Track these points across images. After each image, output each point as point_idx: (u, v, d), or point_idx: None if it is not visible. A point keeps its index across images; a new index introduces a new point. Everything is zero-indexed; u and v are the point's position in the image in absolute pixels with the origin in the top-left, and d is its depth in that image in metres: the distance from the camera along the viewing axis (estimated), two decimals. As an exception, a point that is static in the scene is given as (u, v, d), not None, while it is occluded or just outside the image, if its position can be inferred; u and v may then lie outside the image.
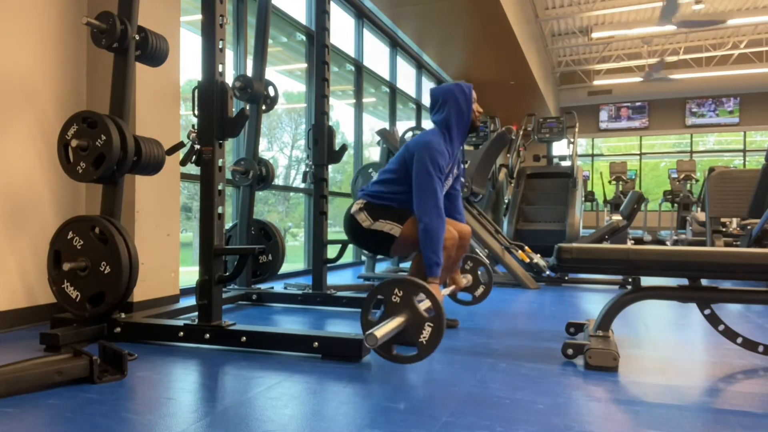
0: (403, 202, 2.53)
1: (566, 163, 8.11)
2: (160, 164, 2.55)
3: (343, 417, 1.52)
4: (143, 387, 1.78)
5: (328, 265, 3.52)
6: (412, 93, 9.06)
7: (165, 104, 3.16)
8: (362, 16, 6.99)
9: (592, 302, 3.80)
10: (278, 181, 6.02)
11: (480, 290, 3.12)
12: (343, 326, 2.91)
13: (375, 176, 2.68)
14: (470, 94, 2.60)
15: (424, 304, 1.91)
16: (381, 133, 5.20)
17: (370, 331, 1.70)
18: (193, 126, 2.38)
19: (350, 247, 6.43)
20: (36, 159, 2.74)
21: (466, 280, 2.99)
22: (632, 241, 7.48)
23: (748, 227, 4.23)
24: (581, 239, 5.95)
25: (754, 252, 2.05)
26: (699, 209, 9.70)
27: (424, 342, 1.88)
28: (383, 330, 1.73)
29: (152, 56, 2.60)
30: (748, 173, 5.16)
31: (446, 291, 2.63)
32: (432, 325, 1.87)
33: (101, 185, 2.43)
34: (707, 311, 2.15)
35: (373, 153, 7.49)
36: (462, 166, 2.72)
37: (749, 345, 2.15)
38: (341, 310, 3.32)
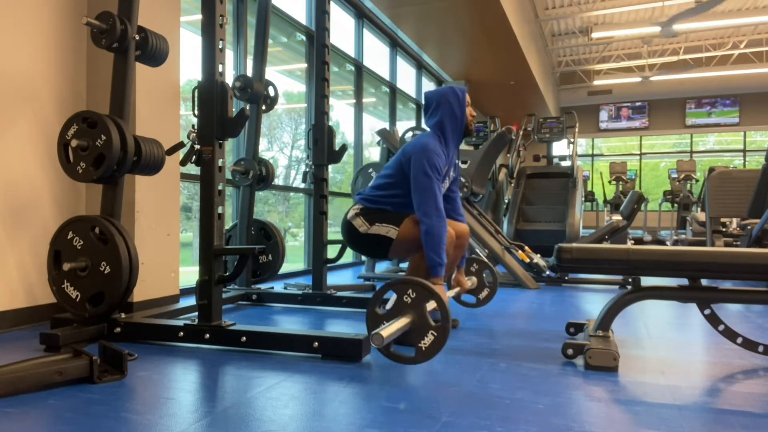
0: (400, 206, 2.54)
1: (566, 163, 8.11)
2: (160, 164, 2.55)
3: (343, 417, 1.52)
4: (143, 387, 1.78)
5: (328, 265, 3.52)
6: (412, 93, 9.06)
7: (165, 104, 3.16)
8: (362, 16, 6.99)
9: (592, 302, 3.80)
10: (278, 181, 6.02)
11: (485, 293, 3.13)
12: (343, 326, 2.91)
13: (373, 179, 2.68)
14: (463, 97, 2.60)
15: (431, 306, 1.91)
16: (381, 133, 5.20)
17: (376, 331, 1.70)
18: (193, 126, 2.38)
19: (350, 247, 6.42)
20: (36, 159, 2.74)
21: (470, 282, 3.00)
22: (632, 241, 7.49)
23: (748, 227, 4.23)
24: (581, 239, 5.95)
25: (754, 252, 2.05)
26: (699, 209, 9.70)
27: (423, 348, 1.88)
28: (389, 330, 1.74)
29: (152, 56, 2.60)
30: (748, 173, 5.16)
31: (451, 293, 2.63)
32: (435, 334, 1.87)
33: (101, 185, 2.43)
34: (707, 311, 2.15)
35: (373, 153, 7.49)
36: (458, 168, 2.73)
37: (749, 345, 2.15)
38: (341, 310, 3.32)
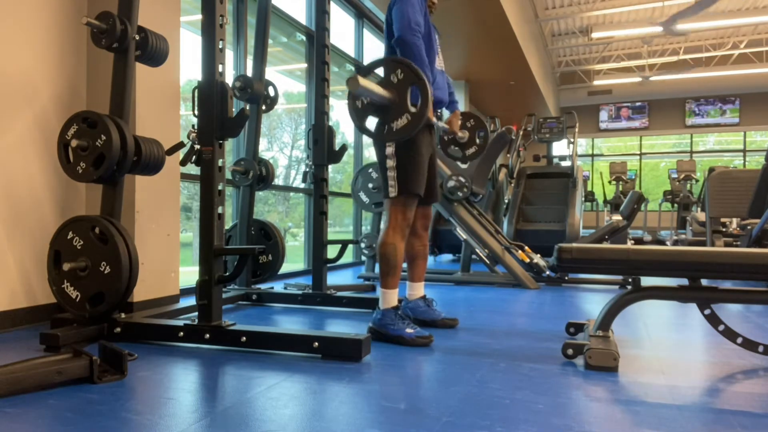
0: None
1: (566, 163, 8.11)
2: (160, 164, 2.55)
3: (343, 417, 1.52)
4: (143, 387, 1.78)
5: (328, 265, 3.52)
6: (412, 93, 9.05)
7: (165, 104, 3.16)
8: (362, 16, 6.99)
9: (592, 302, 3.80)
10: (278, 181, 6.02)
11: (472, 150, 3.09)
12: (343, 326, 2.91)
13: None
14: None
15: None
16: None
17: (355, 75, 1.69)
18: (193, 126, 2.38)
19: (350, 247, 6.43)
20: (36, 159, 2.74)
21: (462, 133, 2.98)
22: (632, 241, 7.49)
23: (748, 227, 4.23)
24: (581, 239, 5.95)
25: (754, 252, 2.05)
26: (699, 209, 9.70)
27: (395, 128, 1.87)
28: (369, 84, 1.72)
29: (152, 56, 2.60)
30: (748, 173, 5.16)
31: (441, 124, 2.63)
32: (410, 118, 1.86)
33: (101, 185, 2.43)
34: (707, 311, 2.15)
35: (373, 153, 7.48)
36: (437, 35, 2.71)
37: (749, 345, 2.15)
38: (341, 310, 3.32)
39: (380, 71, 2.04)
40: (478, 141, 3.07)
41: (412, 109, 1.86)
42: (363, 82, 1.67)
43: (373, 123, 2.02)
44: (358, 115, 1.94)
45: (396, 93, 1.87)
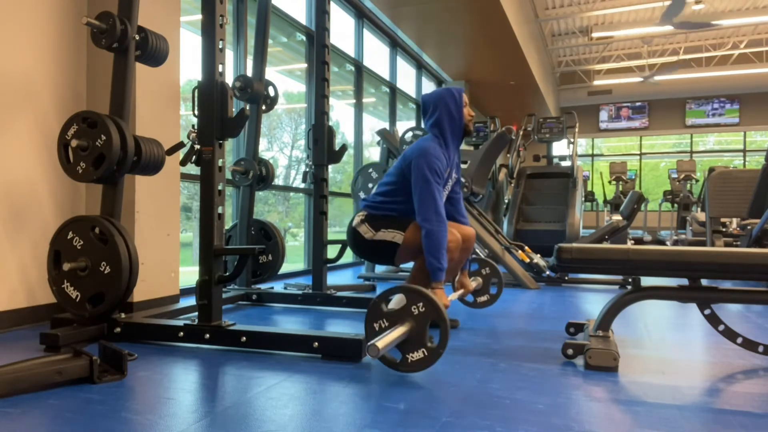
0: (404, 212, 2.54)
1: (566, 163, 8.11)
2: (160, 164, 2.55)
3: (343, 417, 1.52)
4: (143, 387, 1.78)
5: (328, 265, 3.52)
6: (412, 93, 9.06)
7: (165, 104, 3.16)
8: (362, 16, 6.99)
9: (592, 302, 3.80)
10: (278, 181, 6.02)
11: (485, 298, 3.15)
12: (343, 326, 2.91)
13: (377, 186, 2.69)
14: (460, 98, 2.60)
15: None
16: (381, 133, 5.20)
17: (372, 342, 1.70)
18: (193, 126, 2.38)
19: (350, 247, 6.42)
20: (36, 159, 2.74)
21: (476, 283, 3.00)
22: (632, 241, 7.48)
23: (748, 227, 4.23)
24: (581, 239, 5.95)
25: (754, 252, 2.05)
26: (699, 209, 9.70)
27: (409, 360, 1.90)
28: (386, 341, 1.74)
29: (152, 56, 2.60)
30: (748, 173, 5.15)
31: (454, 296, 2.63)
32: (426, 354, 1.88)
33: (101, 185, 2.43)
34: (707, 311, 2.15)
35: (373, 153, 7.49)
36: (459, 169, 2.74)
37: (749, 345, 2.15)
38: (341, 310, 3.32)
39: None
40: (491, 293, 3.14)
41: (430, 345, 1.88)
42: (382, 344, 1.70)
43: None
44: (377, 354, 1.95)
45: (415, 326, 1.88)
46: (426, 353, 1.87)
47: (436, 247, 2.34)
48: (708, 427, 1.48)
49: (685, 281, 2.14)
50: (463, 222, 2.72)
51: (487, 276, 3.12)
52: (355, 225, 2.59)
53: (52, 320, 2.46)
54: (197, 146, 2.36)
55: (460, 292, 2.74)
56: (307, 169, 3.53)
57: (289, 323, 2.99)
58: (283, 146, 6.70)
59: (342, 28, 6.67)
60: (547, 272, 4.67)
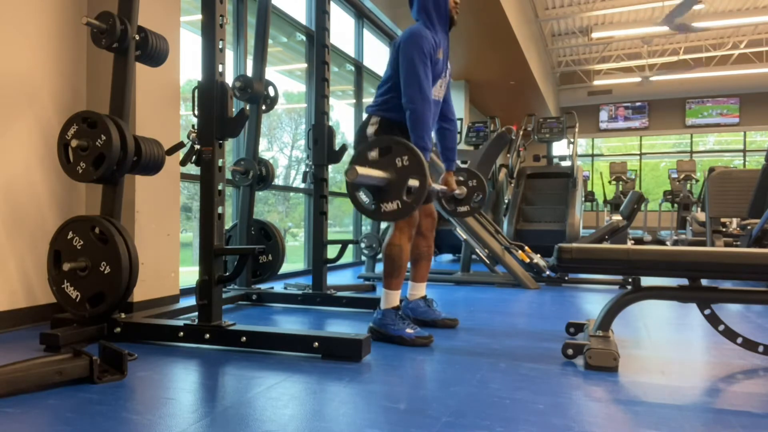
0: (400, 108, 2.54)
1: (566, 163, 8.10)
2: (160, 164, 2.55)
3: (343, 417, 1.52)
4: (143, 387, 1.78)
5: (328, 265, 3.52)
6: (412, 93, 9.04)
7: (165, 104, 3.16)
8: (362, 16, 6.99)
9: (592, 302, 3.80)
10: (278, 181, 6.02)
11: (464, 209, 3.08)
12: (343, 326, 2.91)
13: (377, 87, 2.68)
14: None
15: (412, 182, 1.92)
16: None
17: (353, 165, 1.70)
18: (193, 126, 2.38)
19: (350, 247, 6.42)
20: (36, 159, 2.74)
21: (460, 189, 2.98)
22: (632, 241, 7.48)
23: (748, 227, 4.23)
24: (581, 239, 5.95)
25: (754, 252, 2.05)
26: (699, 209, 9.70)
27: (382, 210, 1.90)
28: (367, 171, 1.75)
29: (152, 56, 2.60)
30: (748, 173, 5.16)
31: (438, 186, 2.64)
32: (400, 206, 1.89)
33: (101, 185, 2.43)
34: (707, 311, 2.15)
35: (373, 153, 7.48)
36: (450, 67, 2.71)
37: (749, 345, 2.15)
38: (341, 310, 3.32)
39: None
40: (472, 204, 3.06)
41: (405, 199, 1.87)
42: (361, 170, 1.69)
43: (364, 194, 2.02)
44: (352, 186, 1.95)
45: (395, 177, 1.88)
46: (399, 205, 1.88)
47: (421, 126, 2.37)
48: (708, 427, 1.48)
49: (685, 281, 2.14)
50: (452, 120, 2.78)
51: (473, 188, 3.06)
52: (370, 135, 2.56)
53: (52, 320, 2.46)
54: (197, 146, 2.36)
55: (443, 187, 2.73)
56: (307, 169, 3.53)
57: (289, 323, 2.99)
58: (283, 146, 6.71)
59: (342, 28, 6.67)
60: (547, 272, 4.67)
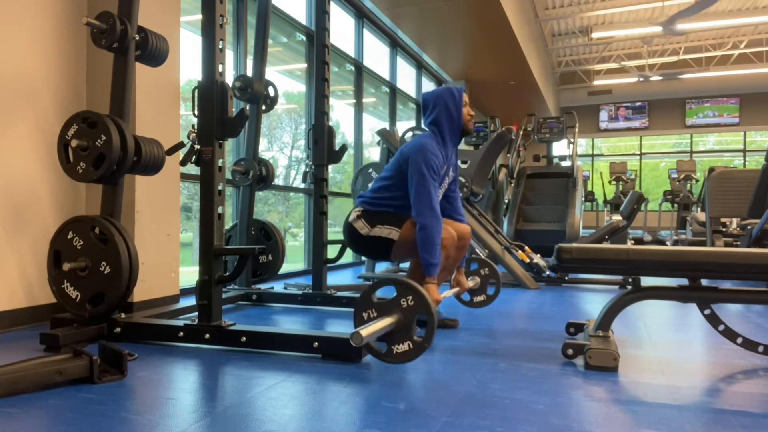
0: (400, 207, 2.55)
1: (566, 163, 8.10)
2: (160, 164, 2.55)
3: (343, 417, 1.52)
4: (143, 387, 1.78)
5: (328, 265, 3.52)
6: (412, 93, 9.06)
7: (165, 104, 3.16)
8: (362, 16, 6.99)
9: (592, 302, 3.80)
10: (278, 181, 6.02)
11: (482, 298, 3.14)
12: (343, 326, 2.91)
13: (373, 181, 2.70)
14: (460, 97, 2.62)
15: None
16: (381, 133, 5.20)
17: (357, 330, 1.71)
18: (193, 126, 2.38)
19: (350, 247, 6.42)
20: (36, 159, 2.74)
21: (473, 282, 2.99)
22: (632, 241, 7.48)
23: (748, 227, 4.23)
24: (581, 239, 5.95)
25: (754, 252, 2.05)
26: (699, 209, 9.70)
27: (394, 352, 1.90)
28: (370, 330, 1.75)
29: (152, 56, 2.60)
30: (748, 173, 5.16)
31: (449, 293, 2.64)
32: (411, 347, 1.89)
33: (101, 185, 2.43)
34: (707, 311, 2.15)
35: (373, 153, 7.49)
36: (458, 168, 2.74)
37: (749, 345, 2.15)
38: (341, 310, 3.32)
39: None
40: (488, 293, 3.12)
41: (416, 339, 1.88)
42: (365, 333, 1.70)
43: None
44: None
45: (402, 318, 1.89)
46: (411, 346, 1.88)
47: (430, 242, 2.36)
48: (708, 427, 1.48)
49: (685, 281, 2.14)
50: (460, 220, 2.73)
51: (486, 276, 3.12)
52: (351, 221, 2.60)
53: (52, 320, 2.46)
54: (197, 146, 2.36)
55: (456, 289, 2.75)
56: (307, 169, 3.53)
57: (289, 323, 2.99)
58: (283, 146, 6.71)
59: (342, 28, 6.67)
60: (547, 272, 4.67)
